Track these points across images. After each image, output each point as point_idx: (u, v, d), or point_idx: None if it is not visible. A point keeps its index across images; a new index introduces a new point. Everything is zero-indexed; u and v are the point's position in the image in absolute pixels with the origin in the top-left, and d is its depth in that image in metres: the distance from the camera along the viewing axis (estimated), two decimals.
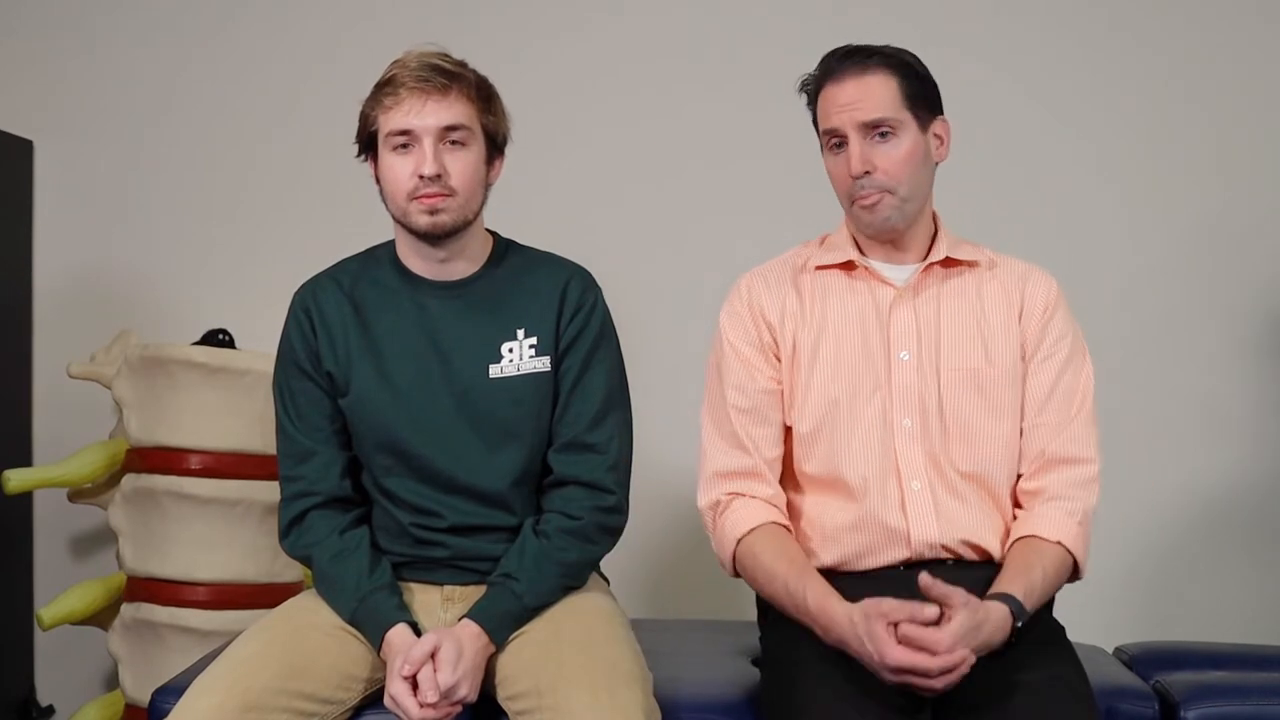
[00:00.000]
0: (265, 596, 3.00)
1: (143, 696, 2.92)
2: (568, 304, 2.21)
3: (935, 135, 2.16)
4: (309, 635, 2.09)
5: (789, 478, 2.20)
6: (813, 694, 1.96)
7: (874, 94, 2.09)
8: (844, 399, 2.14)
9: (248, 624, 2.19)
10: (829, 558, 2.13)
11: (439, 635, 2.02)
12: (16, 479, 3.17)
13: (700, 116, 3.43)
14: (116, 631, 3.16)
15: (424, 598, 2.17)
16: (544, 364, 2.19)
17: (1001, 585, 2.00)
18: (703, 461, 2.21)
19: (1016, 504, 2.17)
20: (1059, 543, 2.08)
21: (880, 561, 2.11)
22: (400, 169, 2.12)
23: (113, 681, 3.37)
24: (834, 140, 2.13)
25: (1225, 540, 3.35)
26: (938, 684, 1.86)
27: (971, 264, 2.20)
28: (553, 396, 2.20)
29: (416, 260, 2.21)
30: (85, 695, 3.46)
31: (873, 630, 1.88)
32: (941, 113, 2.17)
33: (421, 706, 1.97)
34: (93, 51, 3.55)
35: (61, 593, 3.21)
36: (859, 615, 1.91)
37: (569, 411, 2.19)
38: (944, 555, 2.10)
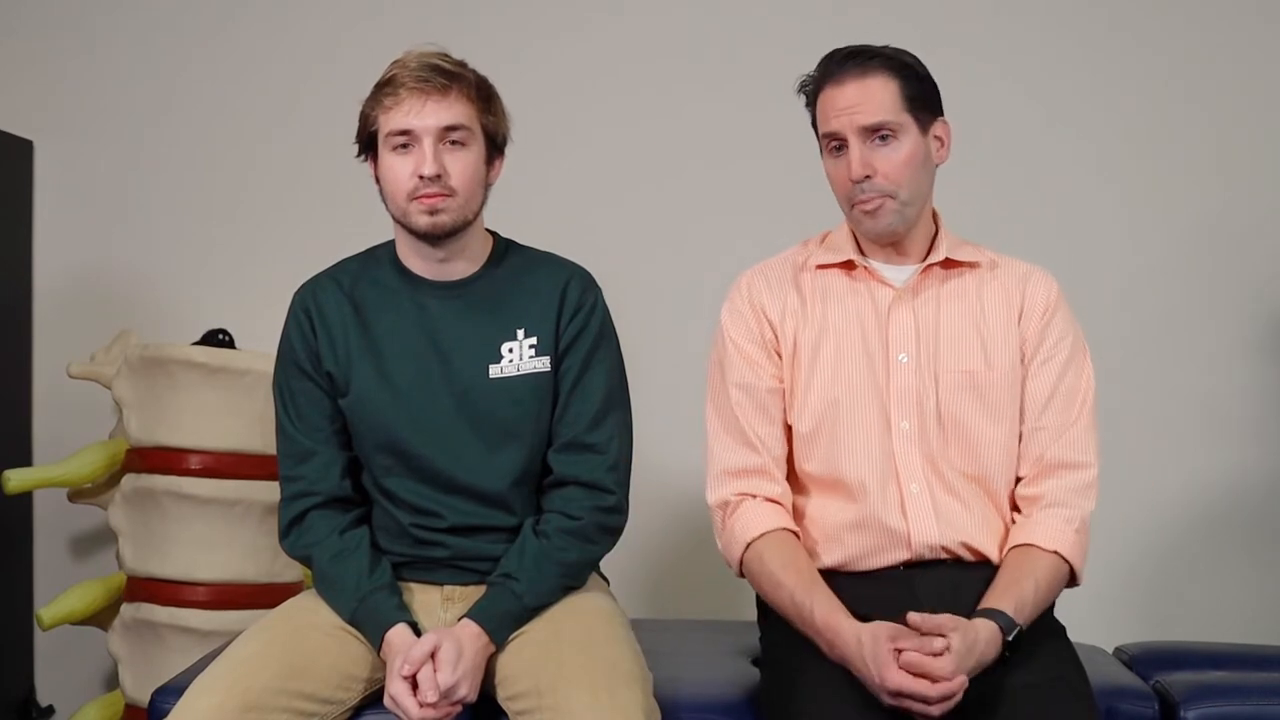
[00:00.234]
0: (265, 596, 3.00)
1: (143, 696, 2.91)
2: (568, 304, 2.20)
3: (936, 137, 2.15)
4: (309, 635, 2.09)
5: (790, 476, 2.20)
6: (812, 694, 1.96)
7: (874, 97, 2.08)
8: (844, 400, 2.14)
9: (248, 624, 2.19)
10: (831, 559, 2.13)
11: (439, 635, 2.02)
12: (16, 479, 3.17)
13: (700, 116, 3.43)
14: (116, 631, 3.16)
15: (424, 598, 2.17)
16: (544, 364, 2.19)
17: (991, 600, 2.00)
18: (710, 458, 2.21)
19: (1015, 508, 2.16)
20: (1055, 552, 2.07)
21: (881, 562, 2.11)
22: (400, 169, 2.12)
23: (113, 681, 3.37)
24: (834, 143, 2.12)
25: (1225, 540, 3.35)
26: (934, 711, 1.87)
27: (972, 265, 2.20)
28: (552, 396, 2.19)
29: (416, 260, 2.21)
30: (85, 695, 3.46)
31: (878, 652, 1.89)
32: (942, 114, 2.16)
33: (421, 706, 1.97)
34: (93, 51, 3.55)
35: (61, 593, 3.21)
36: (868, 636, 1.91)
37: (569, 411, 2.19)
38: (944, 556, 2.10)
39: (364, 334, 2.20)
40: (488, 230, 2.27)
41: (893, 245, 2.18)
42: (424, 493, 2.17)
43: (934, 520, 2.10)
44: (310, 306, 2.22)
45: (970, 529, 2.11)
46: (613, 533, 2.20)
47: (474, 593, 2.14)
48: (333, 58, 3.45)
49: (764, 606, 2.19)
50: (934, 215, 2.22)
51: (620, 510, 2.20)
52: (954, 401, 2.13)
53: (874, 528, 2.11)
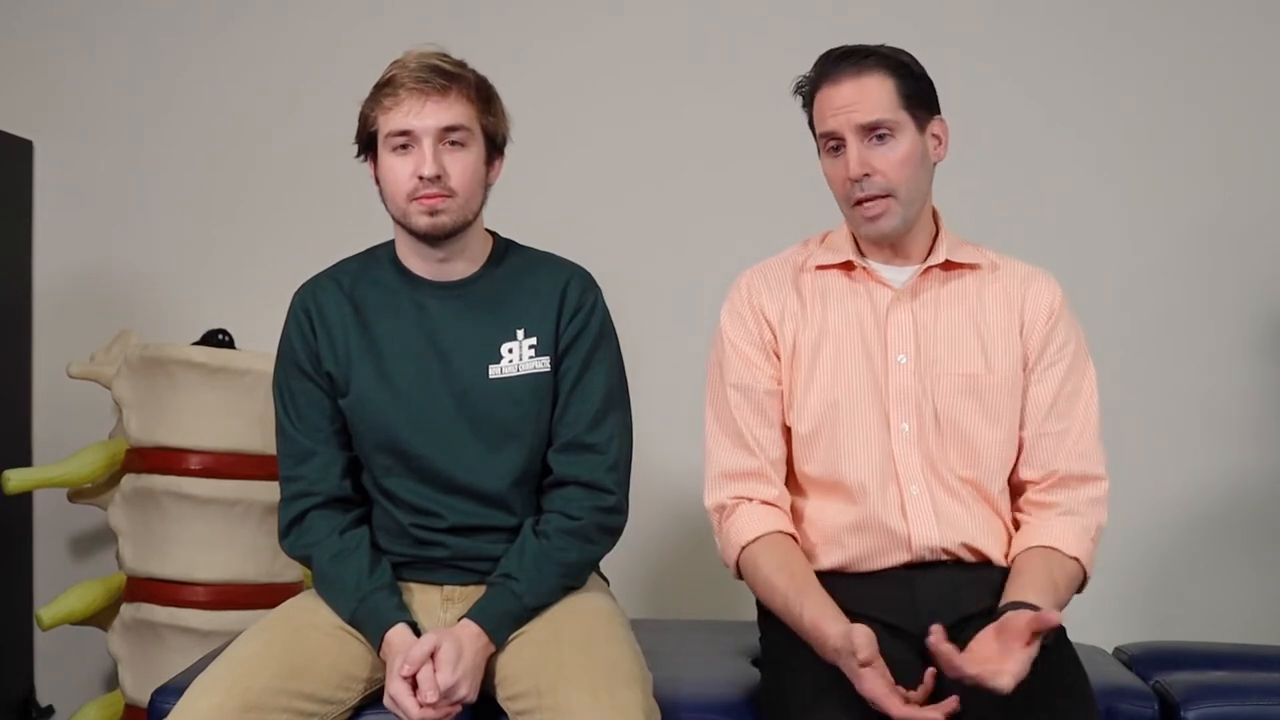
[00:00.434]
0: (265, 596, 3.00)
1: (142, 696, 2.91)
2: (567, 304, 2.20)
3: (933, 135, 2.15)
4: (309, 635, 2.09)
5: (790, 478, 2.20)
6: (812, 694, 1.96)
7: (871, 95, 2.08)
8: (843, 402, 2.13)
9: (248, 624, 2.19)
10: (831, 561, 2.13)
11: (439, 635, 2.02)
12: (16, 479, 3.17)
13: (700, 116, 3.43)
14: (116, 631, 3.16)
15: (424, 598, 2.17)
16: (544, 364, 2.19)
17: (1028, 595, 1.97)
18: (708, 461, 2.21)
19: (1016, 508, 2.17)
20: (1076, 559, 2.08)
21: (881, 564, 2.11)
22: (400, 170, 2.12)
23: (112, 681, 3.37)
24: (831, 143, 2.12)
25: (1225, 540, 3.35)
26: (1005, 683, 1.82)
27: (973, 267, 2.20)
28: (552, 397, 2.19)
29: (416, 260, 2.21)
30: (85, 695, 3.46)
31: (850, 665, 1.88)
32: (939, 112, 2.16)
33: (421, 706, 1.97)
34: (93, 51, 3.55)
35: (61, 593, 3.21)
36: (843, 644, 1.88)
37: (569, 412, 2.19)
38: (944, 558, 2.10)
39: (364, 334, 2.20)
40: (487, 230, 2.27)
41: (892, 246, 2.17)
42: (424, 493, 2.17)
43: (934, 522, 2.10)
44: (310, 307, 2.22)
45: (971, 530, 2.11)
46: (612, 533, 2.20)
47: (474, 593, 2.14)
48: (333, 58, 3.45)
49: (764, 607, 2.19)
50: (934, 216, 2.22)
51: (620, 510, 2.20)
52: (952, 404, 2.13)
53: (874, 529, 2.10)
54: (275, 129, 3.51)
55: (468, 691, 2.00)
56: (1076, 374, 2.17)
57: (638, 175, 3.44)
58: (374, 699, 2.08)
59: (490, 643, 2.06)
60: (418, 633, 2.07)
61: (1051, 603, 1.97)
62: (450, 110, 2.11)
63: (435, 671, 1.98)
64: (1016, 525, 2.16)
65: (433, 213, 2.12)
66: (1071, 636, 2.13)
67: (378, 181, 2.18)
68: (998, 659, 1.84)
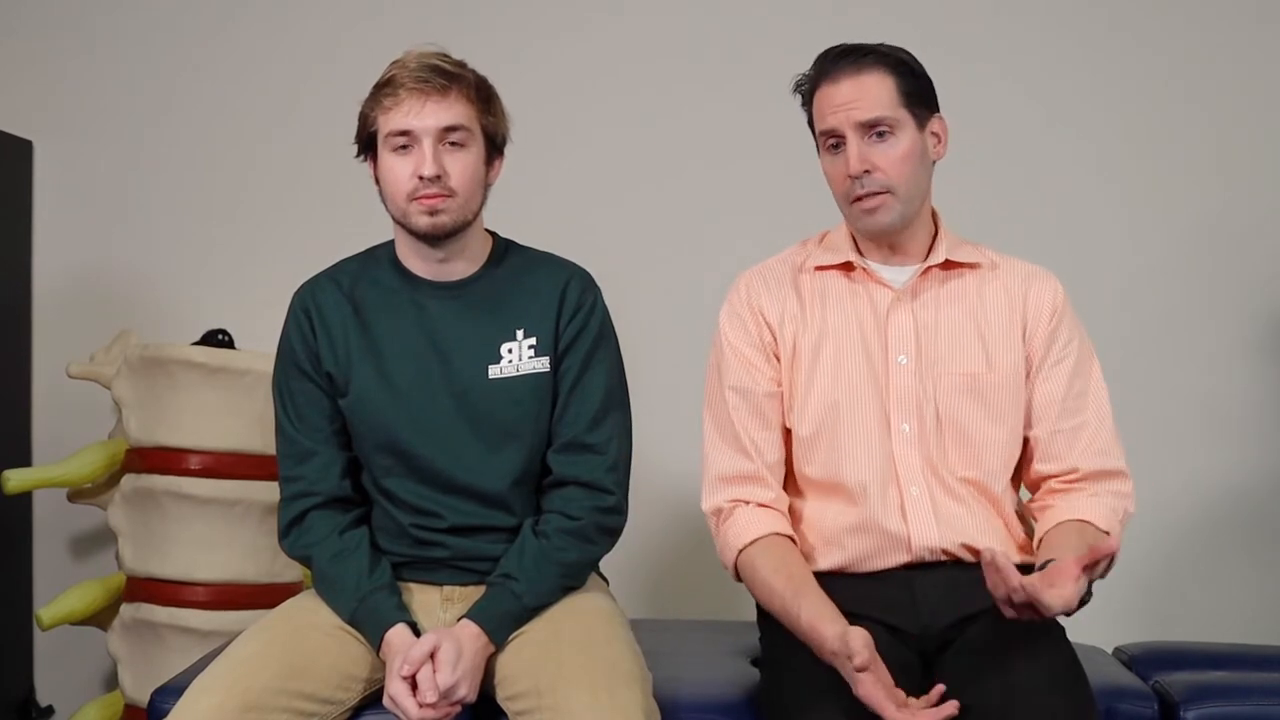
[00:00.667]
0: (265, 596, 3.00)
1: (142, 696, 2.91)
2: (567, 304, 2.20)
3: (933, 133, 2.15)
4: (309, 635, 2.09)
5: (789, 480, 2.20)
6: (812, 695, 1.96)
7: (870, 93, 2.08)
8: (844, 403, 2.13)
9: (248, 624, 2.19)
10: (831, 562, 2.12)
11: (438, 635, 2.02)
12: (16, 479, 3.17)
13: (700, 116, 3.43)
14: (116, 632, 3.16)
15: (424, 598, 2.17)
16: (543, 364, 2.19)
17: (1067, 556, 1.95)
18: (705, 464, 2.20)
19: (1037, 500, 2.16)
20: (1108, 533, 2.08)
21: (881, 565, 2.11)
22: (400, 170, 2.12)
23: (112, 682, 3.37)
24: (831, 141, 2.12)
25: (1225, 540, 3.35)
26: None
27: (973, 266, 2.19)
28: (552, 397, 2.19)
29: (416, 260, 2.21)
30: (85, 695, 3.46)
31: (845, 668, 1.88)
32: (938, 110, 2.16)
33: (421, 706, 1.97)
34: (93, 51, 3.55)
35: (61, 593, 3.21)
36: (840, 646, 1.88)
37: (568, 412, 2.19)
38: (944, 559, 2.10)
39: (363, 334, 2.20)
40: (487, 230, 2.27)
41: (891, 246, 2.17)
42: (424, 493, 2.17)
43: (934, 523, 2.10)
44: (310, 307, 2.22)
45: (971, 530, 2.10)
46: (612, 533, 2.20)
47: (474, 593, 2.14)
48: (333, 58, 3.45)
49: (763, 607, 2.19)
50: (934, 215, 2.21)
51: (620, 510, 2.20)
52: (954, 404, 2.13)
53: (874, 531, 2.10)
54: (275, 129, 3.51)
55: (467, 691, 2.00)
56: (1084, 369, 2.17)
57: (638, 175, 3.44)
58: (374, 699, 2.08)
59: (490, 643, 2.06)
60: (417, 633, 2.07)
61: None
62: (450, 110, 2.11)
63: (435, 672, 1.98)
64: (1035, 517, 2.16)
65: (433, 213, 2.12)
66: (1071, 636, 2.13)
67: (377, 181, 2.18)
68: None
